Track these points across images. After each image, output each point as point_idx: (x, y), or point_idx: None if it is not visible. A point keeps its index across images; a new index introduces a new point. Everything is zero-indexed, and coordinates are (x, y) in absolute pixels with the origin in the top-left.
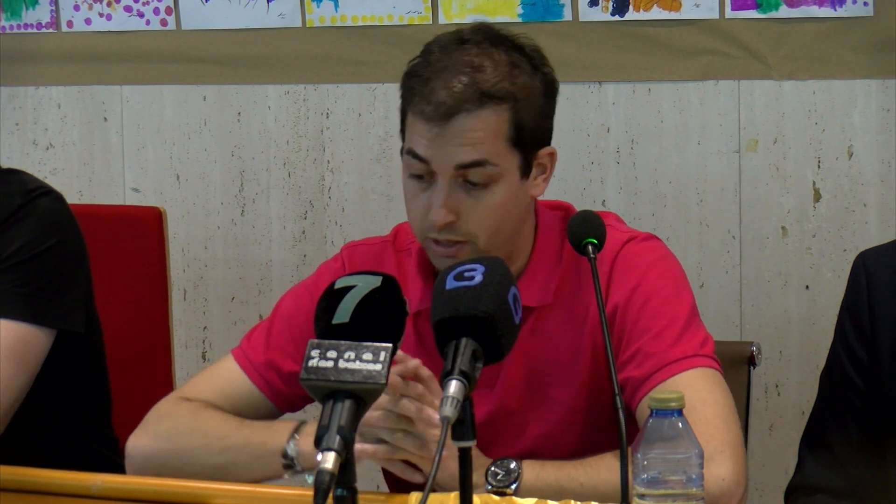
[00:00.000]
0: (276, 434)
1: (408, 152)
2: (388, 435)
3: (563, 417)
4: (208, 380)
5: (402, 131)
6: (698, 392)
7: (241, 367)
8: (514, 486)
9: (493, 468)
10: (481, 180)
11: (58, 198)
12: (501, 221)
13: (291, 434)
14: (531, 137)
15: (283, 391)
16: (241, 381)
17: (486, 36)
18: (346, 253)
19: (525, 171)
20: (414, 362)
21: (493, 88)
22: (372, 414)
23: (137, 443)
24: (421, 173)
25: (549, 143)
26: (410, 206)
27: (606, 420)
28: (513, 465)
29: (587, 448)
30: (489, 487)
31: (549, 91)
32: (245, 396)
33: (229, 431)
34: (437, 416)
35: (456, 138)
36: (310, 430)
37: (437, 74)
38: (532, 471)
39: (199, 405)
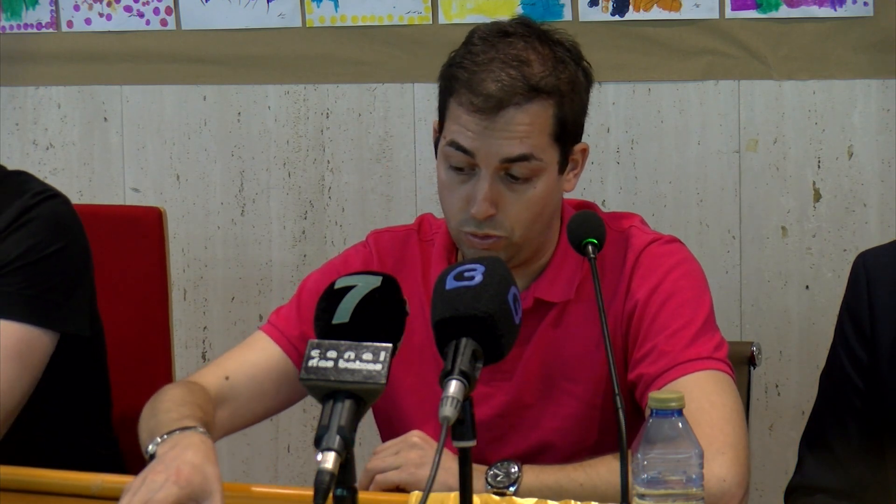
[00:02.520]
0: (158, 428)
1: (450, 144)
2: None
3: (580, 412)
4: (241, 355)
5: (441, 123)
6: (707, 394)
7: (274, 340)
8: (512, 488)
9: (493, 470)
10: (524, 175)
11: (64, 201)
12: (538, 215)
13: (165, 434)
14: (571, 132)
15: None
16: (273, 353)
17: (529, 29)
18: (372, 239)
19: (562, 167)
20: None
21: (541, 83)
22: None
23: None
24: (462, 165)
25: (581, 139)
26: (447, 197)
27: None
28: (514, 469)
29: (605, 444)
30: (488, 488)
31: (589, 86)
32: (277, 368)
33: (156, 413)
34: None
35: (503, 131)
36: (178, 439)
37: (484, 66)
38: (532, 473)
39: (183, 384)
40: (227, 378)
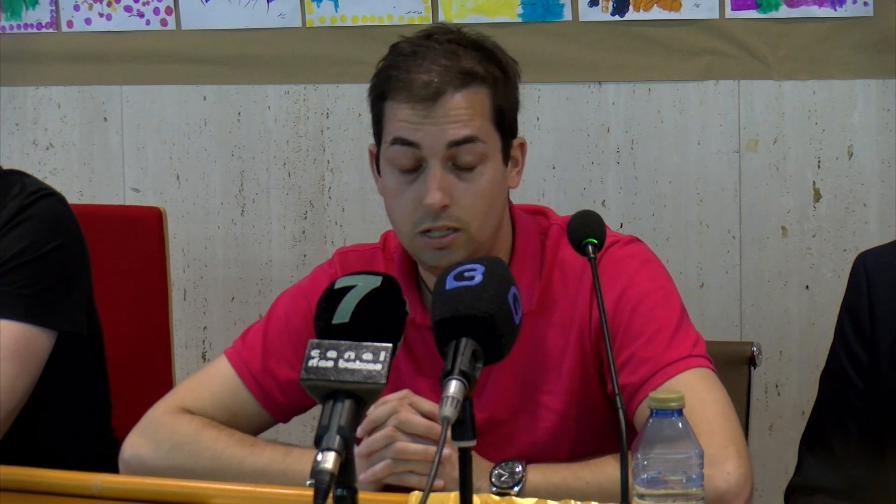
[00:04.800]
0: (296, 462)
1: (394, 142)
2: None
3: (555, 425)
4: (204, 386)
5: (379, 131)
6: (697, 392)
7: (238, 373)
8: (517, 488)
9: (496, 470)
10: (471, 160)
11: (60, 200)
12: (489, 207)
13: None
14: (508, 122)
15: (277, 399)
16: (237, 388)
17: (451, 32)
18: (338, 259)
19: (505, 157)
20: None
21: (473, 69)
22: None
23: (138, 451)
24: (409, 163)
25: (517, 134)
26: (396, 204)
27: (598, 428)
28: (518, 469)
29: (579, 457)
30: (493, 489)
31: (516, 81)
32: (240, 403)
33: (244, 455)
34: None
35: (445, 116)
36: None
37: (415, 63)
38: (538, 471)
39: (201, 422)
40: (190, 411)
